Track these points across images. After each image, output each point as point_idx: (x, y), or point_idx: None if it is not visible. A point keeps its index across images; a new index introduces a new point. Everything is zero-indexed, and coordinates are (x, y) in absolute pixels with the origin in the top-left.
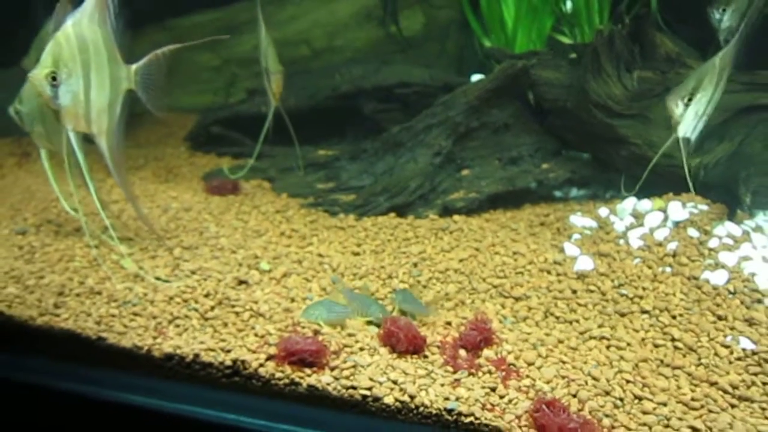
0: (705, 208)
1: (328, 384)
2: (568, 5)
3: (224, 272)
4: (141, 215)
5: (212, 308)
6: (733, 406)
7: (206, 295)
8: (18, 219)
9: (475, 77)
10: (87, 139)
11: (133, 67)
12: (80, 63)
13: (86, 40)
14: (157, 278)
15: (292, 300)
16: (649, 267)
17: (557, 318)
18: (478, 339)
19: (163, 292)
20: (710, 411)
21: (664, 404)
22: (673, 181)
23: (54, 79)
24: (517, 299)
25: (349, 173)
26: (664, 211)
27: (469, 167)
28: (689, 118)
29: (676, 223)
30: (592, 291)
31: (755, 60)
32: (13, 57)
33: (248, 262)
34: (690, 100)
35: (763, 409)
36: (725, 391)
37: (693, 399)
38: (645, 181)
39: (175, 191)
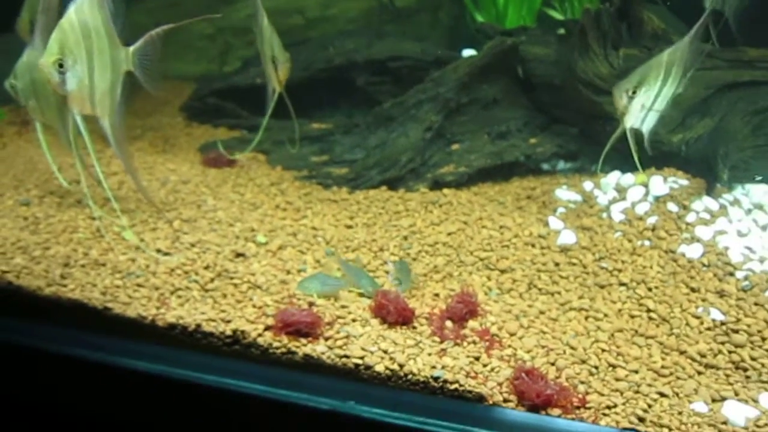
0: (685, 183)
1: (323, 353)
2: None
3: (222, 245)
4: (141, 189)
5: (212, 280)
6: (699, 373)
7: (206, 268)
8: (21, 190)
9: (466, 52)
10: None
11: (131, 49)
12: (84, 48)
13: (88, 25)
14: (158, 251)
15: (288, 272)
16: (629, 240)
17: (540, 290)
18: (463, 311)
19: (165, 264)
20: (678, 378)
21: (636, 371)
22: (656, 155)
23: (61, 66)
24: (502, 272)
25: (343, 147)
26: (646, 185)
27: (458, 142)
28: (635, 110)
29: (657, 198)
30: (574, 264)
31: (750, 36)
32: (9, 23)
33: (245, 234)
34: (634, 93)
35: (727, 375)
36: (693, 359)
37: (663, 367)
38: (628, 157)
39: (172, 163)
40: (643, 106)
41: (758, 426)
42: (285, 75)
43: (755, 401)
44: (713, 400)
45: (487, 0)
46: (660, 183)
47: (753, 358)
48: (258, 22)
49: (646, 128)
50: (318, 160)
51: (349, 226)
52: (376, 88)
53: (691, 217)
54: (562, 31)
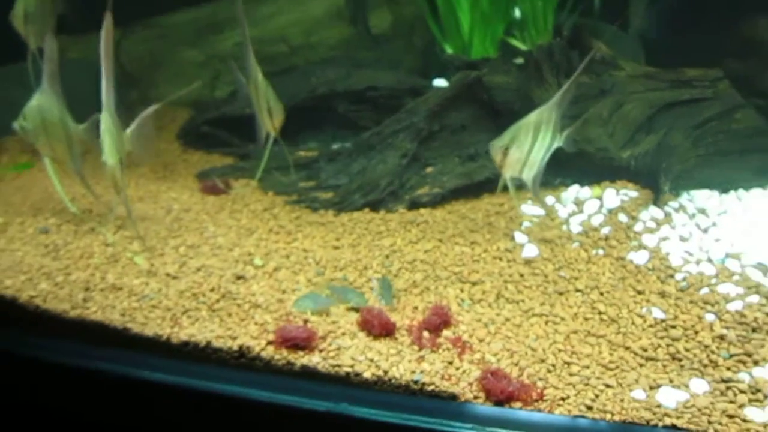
0: (635, 194)
1: (318, 363)
2: (517, 12)
3: (224, 269)
4: (137, 232)
5: (217, 301)
6: (641, 365)
7: (211, 290)
8: (40, 218)
9: (437, 81)
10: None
11: (127, 132)
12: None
13: (110, 120)
14: (167, 274)
15: (284, 292)
16: (585, 250)
17: (507, 299)
18: (438, 322)
19: (175, 288)
20: (622, 370)
21: (587, 367)
22: (609, 170)
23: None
24: (473, 284)
25: (328, 173)
26: (601, 198)
27: (432, 165)
28: (512, 162)
29: (610, 210)
30: (536, 274)
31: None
32: (18, 54)
33: (243, 258)
34: (507, 149)
35: (665, 366)
36: (636, 353)
37: (610, 361)
38: (586, 172)
39: (174, 191)
40: (518, 159)
41: (686, 407)
42: (279, 123)
43: (686, 386)
44: (651, 388)
45: (453, 31)
46: (613, 195)
47: (687, 350)
48: (252, 77)
49: (526, 176)
50: (306, 186)
51: (336, 247)
52: (357, 114)
53: (638, 227)
54: (521, 60)
